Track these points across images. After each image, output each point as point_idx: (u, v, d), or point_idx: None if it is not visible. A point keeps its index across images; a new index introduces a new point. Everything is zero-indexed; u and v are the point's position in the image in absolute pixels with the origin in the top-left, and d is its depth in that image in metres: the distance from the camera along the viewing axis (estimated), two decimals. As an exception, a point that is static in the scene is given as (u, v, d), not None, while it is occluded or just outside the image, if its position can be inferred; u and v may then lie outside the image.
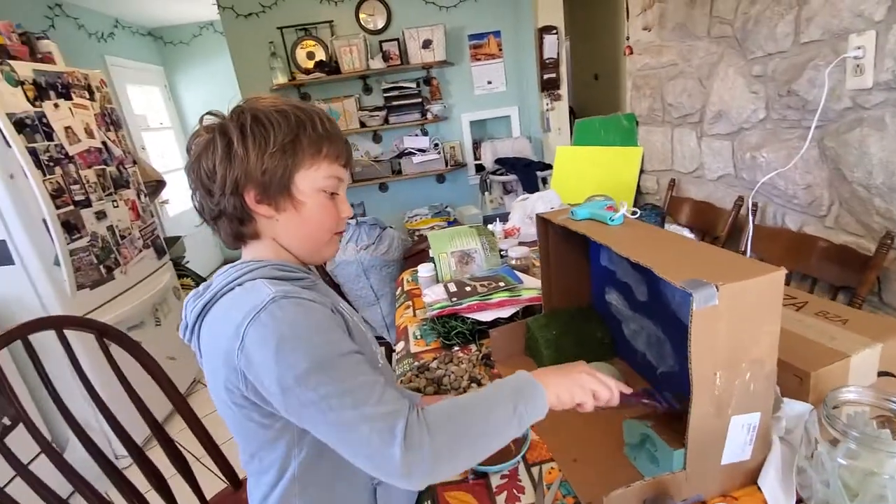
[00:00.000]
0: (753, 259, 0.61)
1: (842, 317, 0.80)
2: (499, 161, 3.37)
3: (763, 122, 1.54)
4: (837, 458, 0.55)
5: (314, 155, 0.68)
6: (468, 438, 0.56)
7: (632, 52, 2.33)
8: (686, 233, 1.57)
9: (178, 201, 4.01)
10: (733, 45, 1.61)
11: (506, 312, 1.16)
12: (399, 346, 1.24)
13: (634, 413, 0.71)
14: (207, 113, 0.69)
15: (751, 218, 1.50)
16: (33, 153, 1.74)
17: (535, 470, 0.75)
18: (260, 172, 0.65)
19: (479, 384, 0.99)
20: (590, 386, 0.66)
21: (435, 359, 1.09)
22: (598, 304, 1.06)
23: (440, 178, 3.76)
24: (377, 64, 3.30)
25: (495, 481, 0.74)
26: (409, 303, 1.47)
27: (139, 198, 2.41)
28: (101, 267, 2.03)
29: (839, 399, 0.60)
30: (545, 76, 3.44)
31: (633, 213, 0.87)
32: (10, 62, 1.75)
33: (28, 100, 1.78)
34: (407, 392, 0.94)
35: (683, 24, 1.86)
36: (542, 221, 0.98)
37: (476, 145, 3.73)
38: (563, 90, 3.44)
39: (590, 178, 2.42)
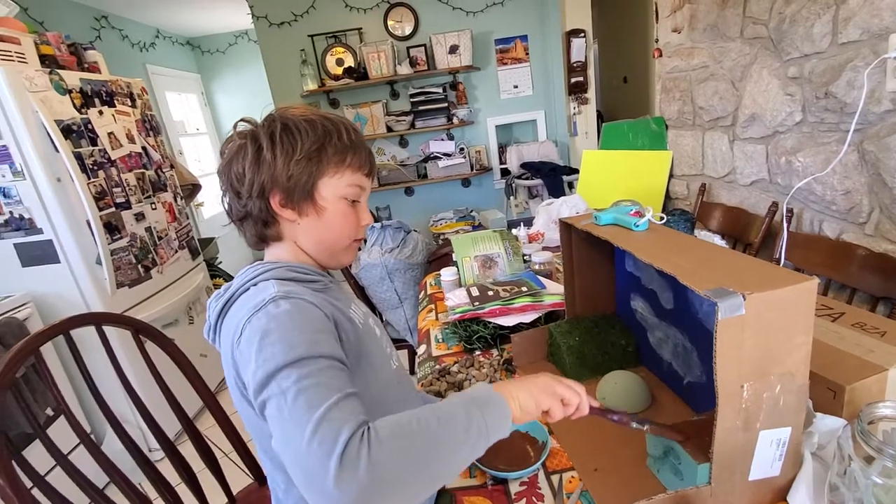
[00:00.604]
0: (784, 268, 0.59)
1: (880, 329, 0.76)
2: (524, 165, 3.35)
3: (799, 125, 1.49)
4: (872, 476, 0.53)
5: (338, 164, 0.71)
6: (414, 454, 0.49)
7: (661, 55, 2.29)
8: (717, 239, 1.53)
9: (213, 204, 4.14)
10: (767, 46, 1.57)
11: (528, 318, 1.16)
12: (421, 350, 1.25)
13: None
14: (241, 120, 0.73)
15: (785, 224, 1.45)
16: (79, 158, 1.83)
17: (555, 478, 0.75)
18: (286, 178, 0.68)
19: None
20: (556, 390, 0.61)
21: (456, 363, 1.10)
22: (623, 311, 1.05)
23: (466, 183, 3.77)
24: (404, 69, 3.34)
25: (514, 488, 0.74)
26: (432, 306, 1.48)
27: (176, 200, 2.50)
28: (140, 266, 2.11)
29: (875, 414, 0.58)
30: (573, 80, 3.42)
31: (661, 218, 0.85)
32: (60, 72, 1.86)
33: (75, 107, 1.88)
34: (427, 396, 0.94)
35: (715, 25, 1.82)
36: (566, 226, 0.98)
37: (502, 149, 3.72)
38: (591, 94, 3.41)
39: (617, 183, 2.38)
